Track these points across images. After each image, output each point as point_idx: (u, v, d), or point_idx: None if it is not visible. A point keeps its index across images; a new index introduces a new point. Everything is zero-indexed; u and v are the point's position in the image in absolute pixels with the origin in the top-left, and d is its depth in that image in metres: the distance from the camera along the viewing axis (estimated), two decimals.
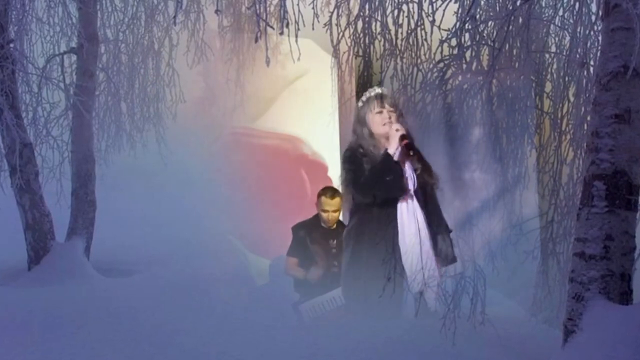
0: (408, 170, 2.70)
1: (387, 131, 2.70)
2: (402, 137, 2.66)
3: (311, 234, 3.37)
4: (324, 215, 3.34)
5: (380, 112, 2.73)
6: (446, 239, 2.70)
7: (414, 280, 2.56)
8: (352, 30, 2.88)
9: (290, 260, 3.38)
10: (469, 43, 2.49)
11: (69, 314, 2.63)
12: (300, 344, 2.31)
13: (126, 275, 3.59)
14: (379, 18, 2.82)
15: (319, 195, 3.39)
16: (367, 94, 2.81)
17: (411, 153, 2.65)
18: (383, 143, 2.71)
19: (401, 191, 2.66)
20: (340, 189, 3.02)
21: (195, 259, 3.80)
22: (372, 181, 2.64)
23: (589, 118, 2.25)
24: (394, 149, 2.67)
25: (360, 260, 2.66)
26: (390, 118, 2.72)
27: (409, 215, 2.66)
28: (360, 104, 2.81)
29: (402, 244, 2.63)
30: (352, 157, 2.73)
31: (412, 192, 2.68)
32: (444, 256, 2.68)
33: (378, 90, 2.79)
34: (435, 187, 2.75)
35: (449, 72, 2.59)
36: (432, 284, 2.54)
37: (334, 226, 3.42)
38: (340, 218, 3.47)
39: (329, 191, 3.37)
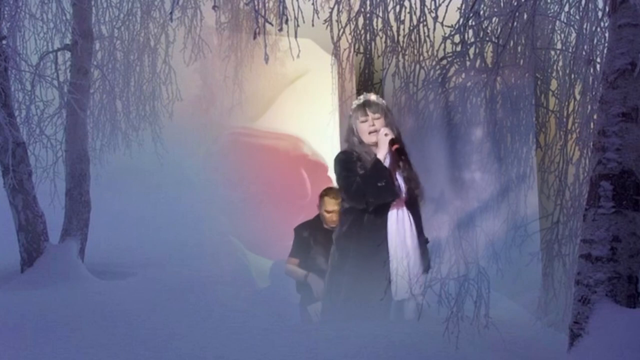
0: (399, 177, 2.69)
1: (374, 139, 2.69)
2: (392, 142, 2.64)
3: (315, 234, 3.33)
4: (327, 216, 3.29)
5: (365, 121, 2.71)
6: (424, 250, 2.70)
7: (398, 288, 2.55)
8: (352, 27, 2.85)
9: (291, 260, 3.34)
10: (472, 40, 2.47)
11: (63, 317, 2.59)
12: (299, 348, 2.27)
13: (121, 277, 3.53)
14: (381, 14, 2.79)
15: (322, 196, 3.34)
16: (355, 102, 2.79)
17: (402, 157, 2.63)
18: (374, 150, 2.70)
19: (393, 196, 2.65)
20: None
21: (193, 260, 3.76)
22: (364, 187, 2.62)
23: (595, 116, 2.22)
24: (383, 154, 2.66)
25: (345, 265, 2.65)
26: (374, 125, 2.70)
27: (398, 224, 2.65)
28: (350, 112, 2.79)
29: (390, 250, 2.61)
30: (345, 162, 2.71)
31: (402, 198, 2.67)
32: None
33: (363, 97, 2.77)
34: (420, 198, 2.74)
35: (452, 69, 2.57)
36: (416, 293, 2.51)
37: (336, 227, 3.38)
38: None
39: (332, 192, 3.33)
